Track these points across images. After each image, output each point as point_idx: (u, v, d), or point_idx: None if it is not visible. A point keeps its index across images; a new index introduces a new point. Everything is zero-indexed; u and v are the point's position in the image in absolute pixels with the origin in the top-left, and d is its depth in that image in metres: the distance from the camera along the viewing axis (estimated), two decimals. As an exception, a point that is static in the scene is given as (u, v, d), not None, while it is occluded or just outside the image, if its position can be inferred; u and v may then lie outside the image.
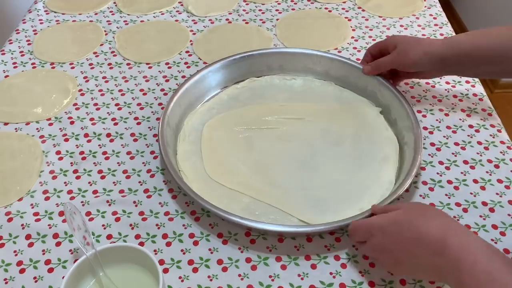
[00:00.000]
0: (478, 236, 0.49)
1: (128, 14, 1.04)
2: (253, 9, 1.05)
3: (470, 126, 0.77)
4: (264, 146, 0.74)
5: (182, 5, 1.07)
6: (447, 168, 0.71)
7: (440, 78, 0.85)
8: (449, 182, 0.69)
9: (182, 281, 0.58)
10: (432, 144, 0.74)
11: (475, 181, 0.69)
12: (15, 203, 0.67)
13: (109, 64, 0.91)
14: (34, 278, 0.58)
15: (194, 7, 1.05)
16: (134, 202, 0.67)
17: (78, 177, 0.70)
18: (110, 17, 1.03)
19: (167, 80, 0.87)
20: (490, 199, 0.67)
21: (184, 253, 0.61)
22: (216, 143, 0.75)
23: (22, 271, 0.59)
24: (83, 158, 0.73)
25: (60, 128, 0.78)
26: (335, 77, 0.84)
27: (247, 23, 1.01)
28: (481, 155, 0.73)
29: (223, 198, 0.66)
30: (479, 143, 0.74)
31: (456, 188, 0.68)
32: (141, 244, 0.62)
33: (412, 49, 0.73)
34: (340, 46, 0.94)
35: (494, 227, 0.63)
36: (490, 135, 0.76)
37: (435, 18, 1.01)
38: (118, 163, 0.72)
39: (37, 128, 0.78)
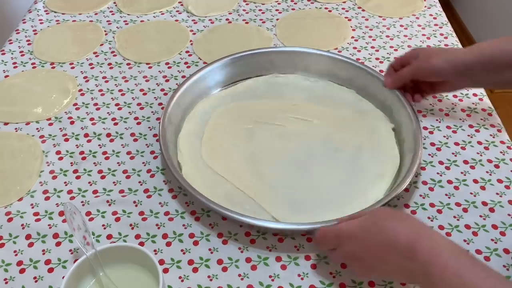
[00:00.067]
0: (446, 237, 0.49)
1: (128, 14, 1.04)
2: (253, 9, 1.05)
3: (470, 126, 0.77)
4: (263, 140, 0.75)
5: (182, 5, 1.07)
6: (447, 168, 0.71)
7: (468, 90, 0.83)
8: (449, 182, 0.69)
9: (182, 281, 0.58)
10: (432, 144, 0.74)
11: (475, 181, 0.69)
12: (15, 203, 0.67)
13: (109, 64, 0.91)
14: (34, 278, 0.58)
15: (194, 7, 1.05)
16: (134, 202, 0.67)
17: (78, 177, 0.70)
18: (110, 17, 1.03)
19: (167, 80, 0.87)
20: (490, 199, 0.67)
21: (184, 253, 0.61)
22: (219, 129, 0.77)
23: (22, 271, 0.59)
24: (83, 158, 0.73)
25: (60, 128, 0.78)
26: (357, 86, 0.82)
27: (247, 23, 1.01)
28: (481, 155, 0.73)
29: (209, 181, 0.68)
30: (479, 143, 0.74)
31: (456, 188, 0.68)
32: (141, 244, 0.62)
33: (434, 56, 0.70)
34: (340, 46, 0.94)
35: (494, 227, 0.63)
36: (490, 135, 0.76)
37: (435, 18, 1.01)
38: (118, 163, 0.72)
39: (37, 128, 0.78)
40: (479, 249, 0.61)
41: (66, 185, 0.69)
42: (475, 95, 0.83)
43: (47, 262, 0.60)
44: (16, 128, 0.78)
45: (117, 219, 0.65)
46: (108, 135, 0.77)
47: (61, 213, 0.65)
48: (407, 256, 0.47)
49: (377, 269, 0.52)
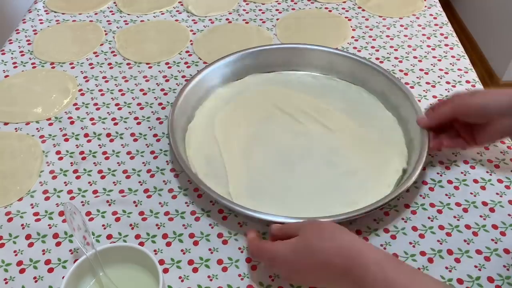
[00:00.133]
0: (374, 248, 0.50)
1: (128, 14, 1.04)
2: (253, 9, 1.05)
3: (470, 126, 0.77)
4: (274, 127, 0.77)
5: (182, 5, 1.07)
6: (447, 168, 0.71)
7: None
8: (449, 182, 0.69)
9: (182, 281, 0.58)
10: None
11: (475, 181, 0.69)
12: (15, 203, 0.67)
13: (109, 64, 0.91)
14: (34, 278, 0.58)
15: (194, 7, 1.05)
16: (134, 202, 0.67)
17: (78, 177, 0.70)
18: (110, 17, 1.03)
19: (167, 80, 0.87)
20: (490, 199, 0.67)
21: (184, 253, 0.61)
22: (240, 107, 0.80)
23: (22, 271, 0.59)
24: (83, 158, 0.73)
25: (60, 128, 0.78)
26: (405, 118, 0.76)
27: (247, 23, 1.01)
28: (481, 155, 0.73)
29: (204, 139, 0.74)
30: (479, 143, 0.74)
31: (456, 188, 0.68)
32: (141, 244, 0.62)
33: (478, 94, 0.65)
34: (340, 46, 0.94)
35: (494, 227, 0.63)
36: (490, 135, 0.76)
37: (435, 18, 1.01)
38: (118, 163, 0.72)
39: (37, 128, 0.78)
40: (479, 249, 0.61)
41: (66, 185, 0.69)
42: (475, 95, 0.83)
43: (47, 262, 0.60)
44: (16, 128, 0.78)
45: (117, 219, 0.65)
46: (108, 135, 0.77)
47: (61, 213, 0.65)
48: (342, 274, 0.49)
49: (316, 283, 0.54)
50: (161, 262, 0.60)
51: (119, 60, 0.92)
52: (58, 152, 0.74)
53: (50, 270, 0.59)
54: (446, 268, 0.59)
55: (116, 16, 1.04)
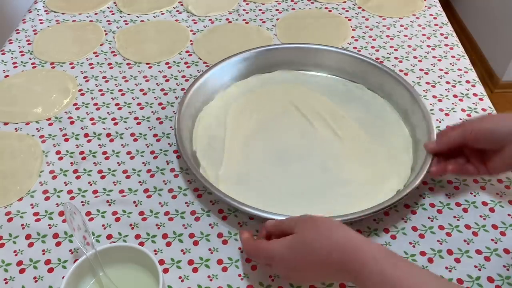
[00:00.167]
0: (371, 243, 0.50)
1: (128, 14, 1.04)
2: (253, 9, 1.05)
3: (470, 126, 0.77)
4: (281, 123, 0.78)
5: (182, 5, 1.07)
6: (447, 168, 0.71)
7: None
8: (449, 182, 0.69)
9: (182, 281, 0.58)
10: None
11: (475, 181, 0.69)
12: (15, 203, 0.67)
13: (109, 64, 0.91)
14: (34, 278, 0.58)
15: (194, 7, 1.05)
16: (134, 202, 0.67)
17: (78, 177, 0.70)
18: (110, 17, 1.03)
19: (167, 80, 0.87)
20: (490, 199, 0.67)
21: (184, 253, 0.61)
22: (259, 97, 0.82)
23: (22, 271, 0.59)
24: (83, 158, 0.73)
25: (60, 128, 0.78)
26: (419, 140, 0.72)
27: (247, 23, 1.01)
28: (481, 155, 0.73)
29: (211, 129, 0.76)
30: (479, 143, 0.74)
31: (456, 188, 0.68)
32: (141, 244, 0.62)
33: (488, 118, 0.63)
34: (340, 46, 0.94)
35: (494, 227, 0.63)
36: (490, 135, 0.76)
37: (435, 18, 1.01)
38: (118, 163, 0.72)
39: (37, 128, 0.78)
40: (479, 249, 0.61)
41: (66, 185, 0.69)
42: (475, 95, 0.83)
43: (47, 262, 0.60)
44: (16, 128, 0.78)
45: (117, 219, 0.65)
46: (108, 135, 0.77)
47: (61, 213, 0.65)
48: (339, 269, 0.50)
49: (312, 278, 0.55)
50: (161, 262, 0.60)
51: (119, 60, 0.92)
52: (58, 152, 0.74)
53: (50, 270, 0.59)
54: (446, 268, 0.59)
55: (116, 16, 1.04)
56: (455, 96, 0.83)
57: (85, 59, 0.92)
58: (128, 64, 0.91)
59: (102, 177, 0.70)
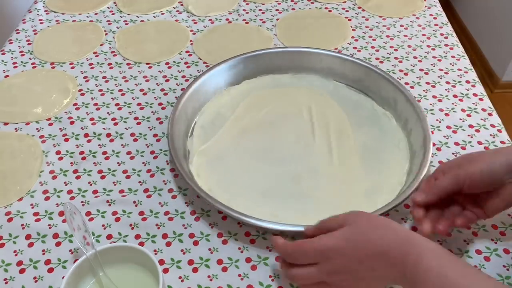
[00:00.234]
0: (427, 239, 0.49)
1: (128, 14, 1.04)
2: (253, 9, 1.05)
3: (470, 126, 0.77)
4: (286, 124, 0.77)
5: (182, 5, 1.07)
6: (447, 168, 0.71)
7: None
8: (449, 182, 0.69)
9: (182, 281, 0.58)
10: (433, 144, 0.74)
11: (475, 181, 0.69)
12: (15, 203, 0.67)
13: (109, 64, 0.91)
14: (34, 278, 0.58)
15: (194, 7, 1.05)
16: (134, 202, 0.67)
17: (78, 177, 0.70)
18: (110, 17, 1.03)
19: (167, 80, 0.87)
20: (490, 199, 0.67)
21: (184, 253, 0.61)
22: (279, 94, 0.82)
23: (22, 271, 0.59)
24: (83, 158, 0.73)
25: (60, 128, 0.78)
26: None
27: (247, 23, 1.01)
28: (481, 155, 0.72)
29: (220, 109, 0.79)
30: (479, 143, 0.74)
31: (456, 188, 0.68)
32: (141, 244, 0.62)
33: (475, 159, 0.56)
34: (340, 46, 0.94)
35: (494, 227, 0.63)
36: (490, 135, 0.76)
37: (435, 18, 1.01)
38: (118, 163, 0.72)
39: (37, 128, 0.78)
40: (479, 249, 0.61)
41: (66, 185, 0.69)
42: (475, 95, 0.83)
43: (47, 262, 0.60)
44: (16, 128, 0.78)
45: (117, 219, 0.65)
46: (108, 135, 0.77)
47: (61, 213, 0.65)
48: (396, 263, 0.48)
49: (365, 279, 0.51)
50: (161, 262, 0.60)
51: (119, 60, 0.92)
52: (58, 152, 0.74)
53: (50, 270, 0.59)
54: (446, 268, 0.59)
55: (116, 16, 1.04)
56: (455, 96, 0.83)
57: (85, 59, 0.92)
58: (128, 64, 0.91)
59: (102, 177, 0.70)
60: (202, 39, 0.97)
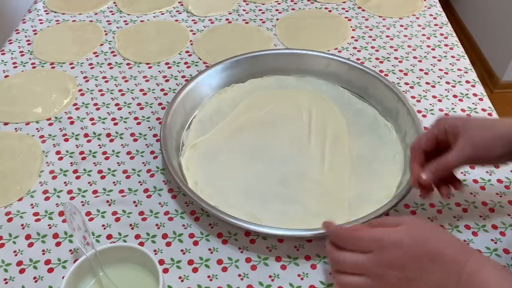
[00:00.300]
0: (489, 258, 0.49)
1: (128, 14, 1.04)
2: (253, 9, 1.05)
3: (470, 126, 0.77)
4: (284, 125, 0.77)
5: (182, 5, 1.07)
6: (447, 168, 0.71)
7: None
8: (449, 182, 0.69)
9: (182, 281, 0.58)
10: (432, 144, 0.74)
11: (475, 181, 0.69)
12: (15, 203, 0.67)
13: (109, 64, 0.91)
14: (34, 278, 0.58)
15: (194, 7, 1.05)
16: (134, 202, 0.67)
17: (78, 177, 0.70)
18: (110, 17, 1.03)
19: (167, 80, 0.87)
20: (490, 199, 0.67)
21: (184, 253, 0.61)
22: (284, 95, 0.82)
23: (22, 271, 0.59)
24: (83, 158, 0.73)
25: (60, 128, 0.78)
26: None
27: (247, 23, 1.01)
28: (481, 155, 0.72)
29: (222, 104, 0.80)
30: (479, 143, 0.74)
31: (456, 188, 0.68)
32: (141, 244, 0.62)
33: (481, 126, 0.56)
34: (340, 46, 0.94)
35: (494, 227, 0.63)
36: (490, 135, 0.76)
37: (435, 18, 1.01)
38: (118, 163, 0.72)
39: (37, 128, 0.78)
40: (479, 249, 0.61)
41: (66, 185, 0.69)
42: (475, 95, 0.83)
43: (47, 262, 0.60)
44: (16, 128, 0.78)
45: (117, 219, 0.65)
46: (108, 135, 0.77)
47: (61, 213, 0.65)
48: (452, 269, 0.46)
49: (416, 280, 0.48)
50: (161, 262, 0.60)
51: (119, 60, 0.92)
52: (58, 152, 0.74)
53: (50, 270, 0.59)
54: (446, 268, 0.59)
55: (116, 16, 1.04)
56: (455, 96, 0.83)
57: (85, 59, 0.92)
58: (128, 64, 0.91)
59: (102, 177, 0.70)
60: (202, 39, 0.97)
